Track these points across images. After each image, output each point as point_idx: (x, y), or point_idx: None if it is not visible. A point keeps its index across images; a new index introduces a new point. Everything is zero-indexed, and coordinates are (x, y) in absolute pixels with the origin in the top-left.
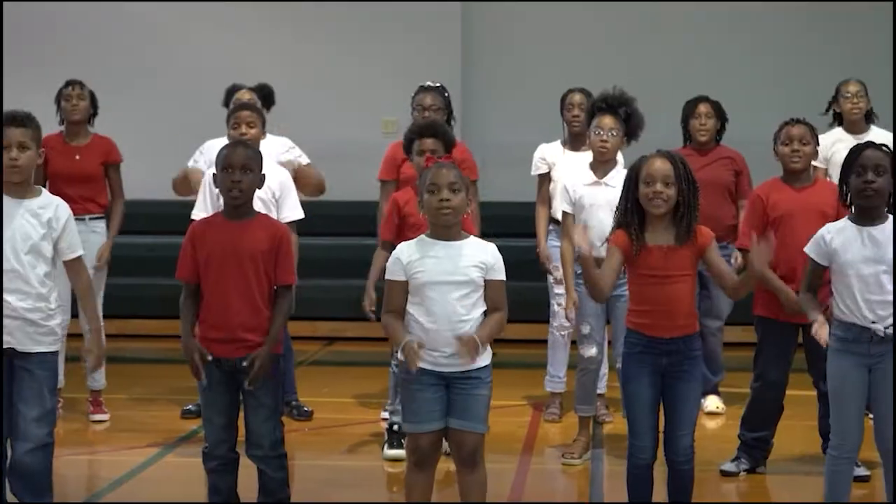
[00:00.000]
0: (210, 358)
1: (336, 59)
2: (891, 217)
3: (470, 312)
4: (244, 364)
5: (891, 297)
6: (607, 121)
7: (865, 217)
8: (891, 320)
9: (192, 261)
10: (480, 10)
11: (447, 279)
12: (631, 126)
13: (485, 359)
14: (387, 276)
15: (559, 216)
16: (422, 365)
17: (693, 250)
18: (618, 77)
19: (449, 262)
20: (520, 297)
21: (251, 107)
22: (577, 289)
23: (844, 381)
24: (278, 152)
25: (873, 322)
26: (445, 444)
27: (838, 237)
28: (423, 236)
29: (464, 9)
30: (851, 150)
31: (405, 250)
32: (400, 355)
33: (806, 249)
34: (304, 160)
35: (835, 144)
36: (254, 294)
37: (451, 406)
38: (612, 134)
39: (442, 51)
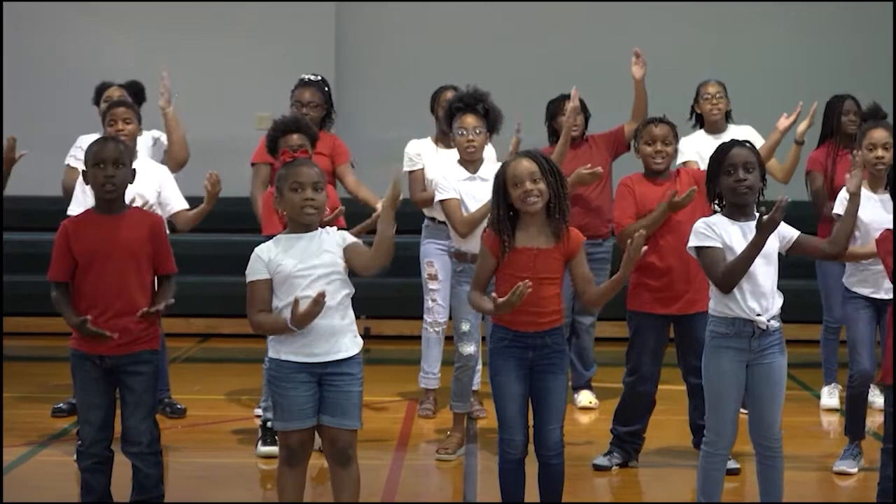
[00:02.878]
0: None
1: (210, 56)
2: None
3: (334, 298)
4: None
5: (771, 290)
6: (470, 120)
7: (739, 214)
8: (772, 312)
9: (66, 259)
10: (354, 8)
11: (311, 266)
12: (490, 121)
13: (355, 347)
14: (249, 278)
15: (434, 213)
16: (294, 358)
17: (562, 253)
18: (490, 74)
19: (310, 252)
20: (394, 294)
21: (127, 103)
22: (459, 286)
23: (722, 378)
24: (148, 146)
25: (758, 314)
26: (318, 441)
27: (722, 228)
28: (279, 236)
29: (338, 7)
30: (718, 149)
31: (265, 249)
32: (293, 326)
33: (697, 244)
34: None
35: (699, 149)
36: (134, 289)
37: (324, 403)
38: (477, 132)
39: (316, 48)
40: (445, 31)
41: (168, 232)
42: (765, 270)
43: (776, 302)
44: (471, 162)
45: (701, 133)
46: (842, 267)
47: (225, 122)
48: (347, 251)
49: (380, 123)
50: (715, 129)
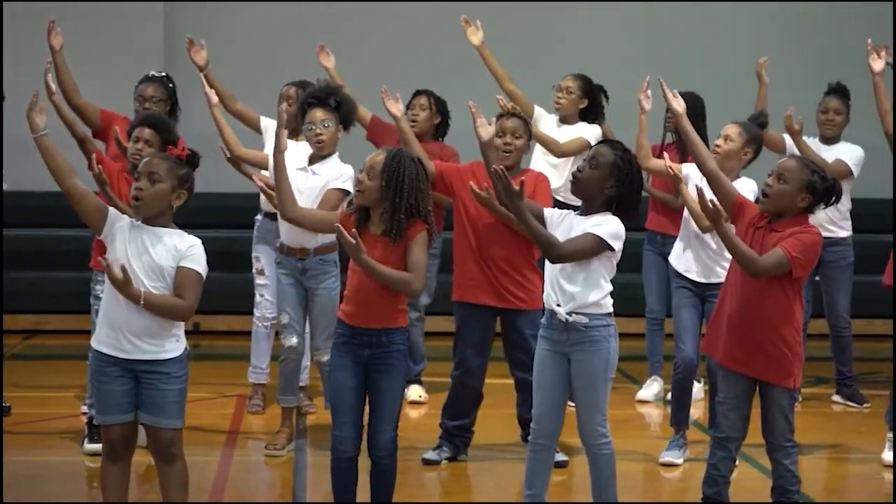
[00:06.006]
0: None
1: (40, 52)
2: (600, 214)
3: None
4: None
5: (572, 286)
6: (318, 114)
7: (583, 210)
8: (572, 307)
9: None
10: (183, 8)
11: (139, 262)
12: (343, 113)
13: (172, 351)
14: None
15: (267, 207)
16: (108, 351)
17: (402, 243)
18: (319, 71)
19: (145, 247)
20: (224, 289)
21: None
22: (278, 278)
23: (539, 366)
24: None
25: (557, 304)
26: (144, 437)
27: (558, 215)
28: (137, 221)
29: (166, 8)
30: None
31: (123, 219)
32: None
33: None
34: None
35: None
36: None
37: (141, 401)
38: (325, 125)
39: (145, 46)
40: (274, 29)
41: None
42: (568, 265)
43: (582, 297)
44: (318, 157)
45: (553, 119)
46: (663, 260)
47: (53, 115)
48: (177, 270)
49: (204, 119)
50: (564, 121)
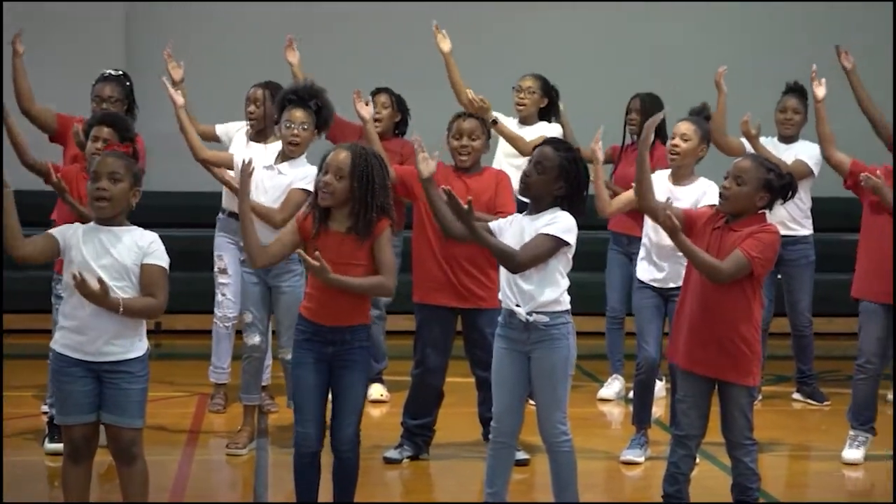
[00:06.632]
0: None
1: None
2: (549, 212)
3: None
4: None
5: (529, 284)
6: (298, 114)
7: (532, 209)
8: (531, 306)
9: None
10: (144, 8)
11: (101, 263)
12: (322, 118)
13: (136, 351)
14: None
15: (229, 205)
16: (70, 353)
17: (369, 240)
18: (281, 72)
19: (105, 248)
20: (185, 288)
21: None
22: (242, 277)
23: (498, 365)
24: None
25: (517, 305)
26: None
27: (505, 223)
28: (92, 223)
29: (127, 8)
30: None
31: (73, 227)
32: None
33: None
34: None
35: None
36: None
37: (103, 400)
38: (304, 128)
39: (106, 47)
40: (237, 30)
41: None
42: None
43: (540, 295)
44: (290, 156)
45: (512, 121)
46: (628, 259)
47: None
48: (142, 267)
49: (170, 117)
50: (524, 122)
